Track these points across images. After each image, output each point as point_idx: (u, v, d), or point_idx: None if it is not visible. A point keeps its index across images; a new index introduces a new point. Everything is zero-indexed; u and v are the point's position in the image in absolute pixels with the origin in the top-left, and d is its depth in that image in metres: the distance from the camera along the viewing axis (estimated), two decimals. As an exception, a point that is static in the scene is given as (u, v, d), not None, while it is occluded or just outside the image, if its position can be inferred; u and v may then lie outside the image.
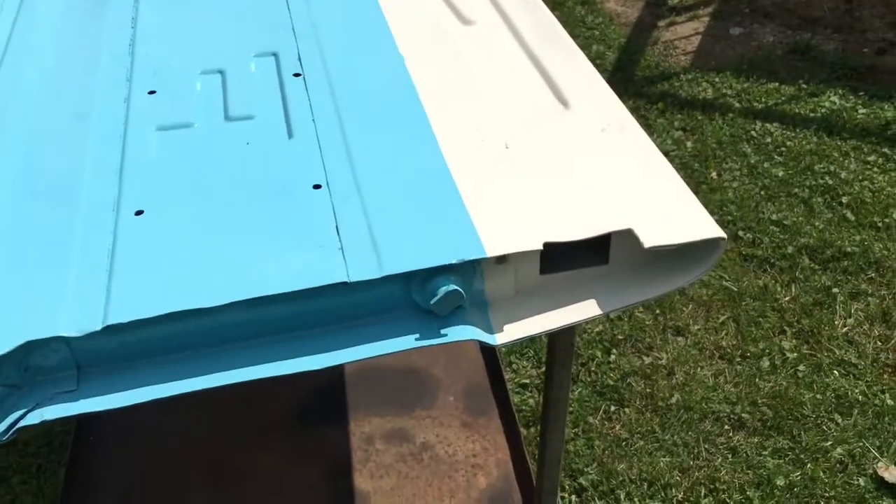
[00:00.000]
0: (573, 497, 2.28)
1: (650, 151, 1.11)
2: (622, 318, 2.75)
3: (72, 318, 0.87)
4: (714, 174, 3.35)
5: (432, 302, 0.94)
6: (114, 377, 0.92)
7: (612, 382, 2.55)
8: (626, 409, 2.48)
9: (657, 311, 2.77)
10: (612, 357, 2.64)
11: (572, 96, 1.21)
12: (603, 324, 2.72)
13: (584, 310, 1.00)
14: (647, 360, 2.63)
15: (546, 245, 0.96)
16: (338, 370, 2.20)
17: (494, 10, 1.42)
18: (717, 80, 3.81)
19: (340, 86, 1.25)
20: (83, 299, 0.90)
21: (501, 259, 0.98)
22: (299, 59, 1.31)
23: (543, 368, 2.68)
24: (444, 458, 2.05)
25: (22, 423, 0.88)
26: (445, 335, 0.95)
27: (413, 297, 0.97)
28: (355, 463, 2.05)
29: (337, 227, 1.00)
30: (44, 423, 0.88)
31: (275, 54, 1.32)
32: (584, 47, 4.02)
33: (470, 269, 0.97)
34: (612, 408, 2.49)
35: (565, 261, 1.00)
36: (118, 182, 1.06)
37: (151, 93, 1.24)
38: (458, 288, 0.94)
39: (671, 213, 1.01)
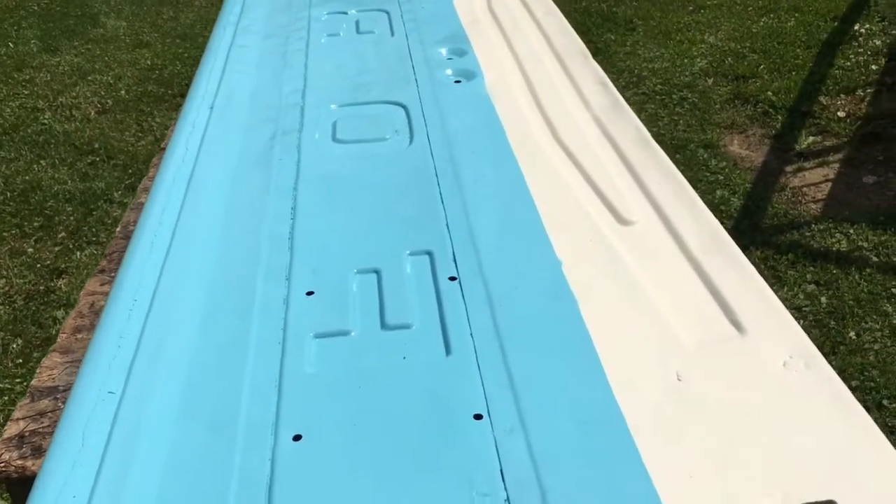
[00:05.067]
0: None
1: (842, 396, 1.01)
2: None
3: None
4: (853, 334, 3.14)
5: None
6: None
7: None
8: None
9: None
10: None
11: (746, 319, 1.13)
12: None
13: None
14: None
15: (737, 515, 0.87)
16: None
17: (653, 210, 1.38)
18: (851, 231, 3.64)
19: (497, 294, 1.21)
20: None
21: (684, 525, 0.89)
22: (454, 260, 1.29)
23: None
24: None
25: None
26: None
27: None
28: None
29: (501, 470, 0.94)
30: None
31: (429, 253, 1.31)
32: (708, 192, 3.94)
33: (650, 537, 0.89)
34: None
35: (754, 524, 0.91)
36: (277, 399, 1.05)
37: (309, 293, 1.24)
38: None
39: (877, 480, 0.90)
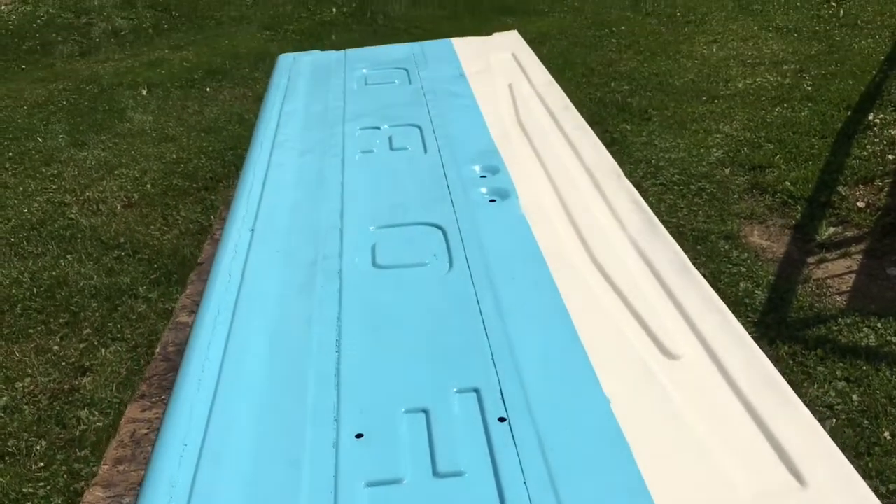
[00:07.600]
0: None
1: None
2: None
3: None
4: (887, 434, 3.08)
5: None
6: None
7: None
8: None
9: None
10: None
11: (806, 469, 1.11)
12: None
13: None
14: None
15: None
16: None
17: (699, 344, 1.38)
18: (878, 325, 3.61)
19: (549, 437, 1.20)
20: None
21: None
22: (502, 399, 1.28)
23: None
24: None
25: None
26: None
27: None
28: None
29: None
30: None
31: (476, 390, 1.31)
32: (731, 285, 3.93)
33: None
34: None
35: None
36: (333, 560, 1.03)
37: (359, 436, 1.23)
38: None
39: None
